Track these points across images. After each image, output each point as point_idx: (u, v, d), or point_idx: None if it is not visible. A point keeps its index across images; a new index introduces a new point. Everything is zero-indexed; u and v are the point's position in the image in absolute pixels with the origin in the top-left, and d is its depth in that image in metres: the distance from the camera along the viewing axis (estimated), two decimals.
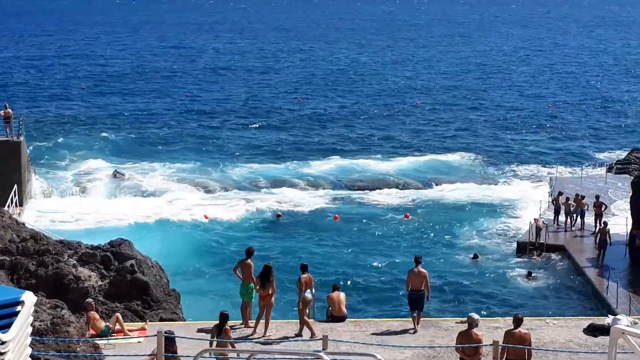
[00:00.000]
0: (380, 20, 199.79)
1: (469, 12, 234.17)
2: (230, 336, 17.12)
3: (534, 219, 37.30)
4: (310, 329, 19.29)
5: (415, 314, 20.17)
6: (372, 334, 19.65)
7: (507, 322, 20.66)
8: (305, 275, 19.56)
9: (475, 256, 36.29)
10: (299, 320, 19.54)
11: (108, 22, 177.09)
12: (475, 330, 16.04)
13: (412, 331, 20.00)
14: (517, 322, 15.95)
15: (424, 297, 20.11)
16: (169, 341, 15.66)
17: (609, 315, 21.29)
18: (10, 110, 41.42)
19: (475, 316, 16.24)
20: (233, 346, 17.03)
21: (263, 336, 19.24)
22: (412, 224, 41.67)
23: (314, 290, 19.97)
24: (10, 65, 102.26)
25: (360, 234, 40.23)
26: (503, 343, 15.83)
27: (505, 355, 15.75)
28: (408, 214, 42.97)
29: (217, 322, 17.32)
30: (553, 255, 35.96)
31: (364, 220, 42.17)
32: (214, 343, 16.88)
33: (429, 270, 21.80)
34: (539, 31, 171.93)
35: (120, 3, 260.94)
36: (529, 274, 34.07)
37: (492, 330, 19.35)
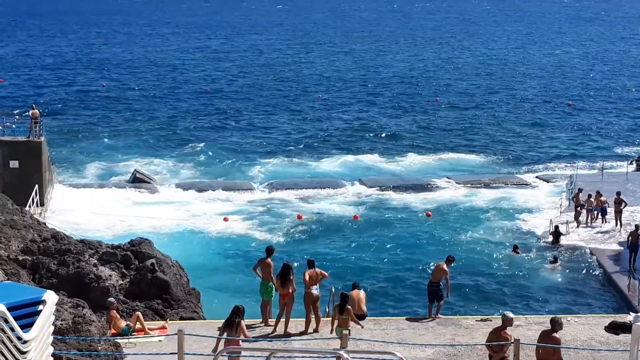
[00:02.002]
0: (401, 17, 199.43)
1: (488, 8, 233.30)
2: (353, 316, 17.91)
3: (580, 203, 37.16)
4: (307, 325, 19.38)
5: (435, 305, 20.87)
6: (392, 332, 19.61)
7: (527, 320, 20.62)
8: (310, 271, 19.51)
9: (515, 248, 36.07)
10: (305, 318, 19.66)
11: (128, 22, 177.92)
12: (507, 329, 15.97)
13: (429, 320, 20.42)
14: (553, 324, 15.80)
15: (440, 290, 20.91)
16: (237, 314, 16.33)
17: (631, 313, 21.13)
18: (37, 111, 41.99)
19: (510, 315, 16.19)
20: (355, 322, 17.82)
21: (283, 334, 19.26)
22: (433, 222, 41.52)
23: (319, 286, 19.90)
24: (31, 64, 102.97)
25: (381, 232, 40.10)
26: (538, 343, 15.84)
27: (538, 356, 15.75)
28: (429, 212, 42.79)
29: (339, 303, 18.12)
30: (574, 253, 35.75)
31: (384, 219, 42.06)
32: (335, 322, 18.02)
33: (452, 267, 22.20)
34: (560, 26, 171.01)
35: (142, 2, 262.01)
36: (555, 259, 34.06)
37: (512, 329, 19.26)
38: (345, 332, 16.45)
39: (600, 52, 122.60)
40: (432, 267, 23.89)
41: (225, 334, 16.35)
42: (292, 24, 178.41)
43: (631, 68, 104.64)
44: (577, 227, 37.95)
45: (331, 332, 18.45)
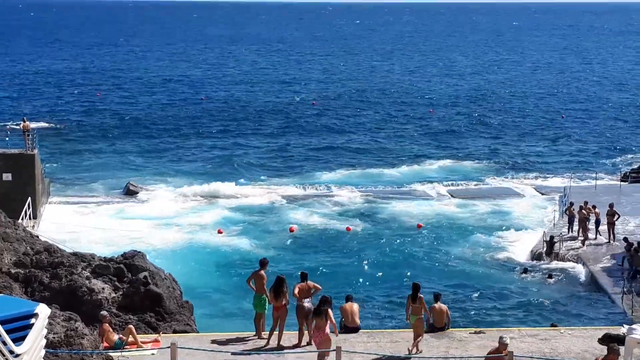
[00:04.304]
0: (397, 30, 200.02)
1: (485, 23, 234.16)
2: (424, 304, 18.98)
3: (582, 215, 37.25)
4: (299, 338, 19.34)
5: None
6: (386, 345, 19.57)
7: (521, 333, 20.61)
8: (301, 284, 19.45)
9: (525, 271, 35.83)
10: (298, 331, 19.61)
11: (127, 35, 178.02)
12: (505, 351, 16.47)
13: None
14: (610, 351, 15.85)
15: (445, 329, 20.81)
16: (325, 303, 17.63)
17: (625, 325, 21.13)
18: (28, 124, 42.06)
19: (506, 341, 16.61)
20: (426, 310, 19.09)
21: (276, 347, 19.20)
22: (424, 234, 41.51)
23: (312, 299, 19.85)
24: (25, 77, 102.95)
25: (374, 243, 40.08)
26: None
27: None
28: (421, 224, 42.77)
29: (411, 293, 19.07)
30: (567, 265, 35.75)
31: (377, 230, 42.07)
32: (410, 309, 18.95)
33: (443, 281, 22.04)
34: (557, 40, 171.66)
35: (133, 13, 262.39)
36: (550, 275, 34.07)
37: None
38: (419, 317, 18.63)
39: (594, 65, 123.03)
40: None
41: (314, 322, 17.55)
42: (290, 36, 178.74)
43: (624, 81, 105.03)
44: (578, 237, 37.84)
45: (407, 320, 19.33)
